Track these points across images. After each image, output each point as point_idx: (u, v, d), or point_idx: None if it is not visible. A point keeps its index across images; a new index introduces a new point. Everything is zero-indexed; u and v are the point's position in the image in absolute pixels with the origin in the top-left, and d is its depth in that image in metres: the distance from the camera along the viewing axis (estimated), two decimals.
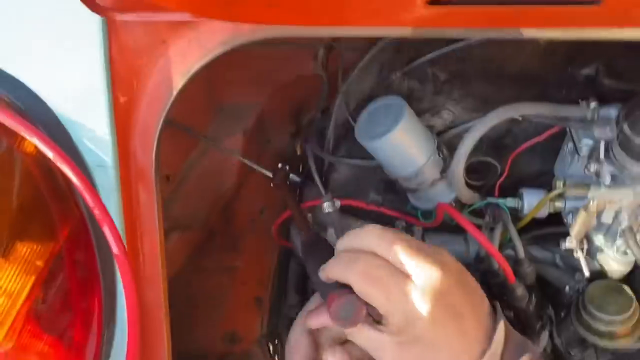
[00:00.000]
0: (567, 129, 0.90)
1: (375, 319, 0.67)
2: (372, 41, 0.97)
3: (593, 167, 0.83)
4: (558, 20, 0.51)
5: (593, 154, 0.85)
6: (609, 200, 0.82)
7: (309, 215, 1.03)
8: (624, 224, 0.83)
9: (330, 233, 0.99)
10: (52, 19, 0.56)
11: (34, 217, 0.56)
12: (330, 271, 0.67)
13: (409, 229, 1.00)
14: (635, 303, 0.91)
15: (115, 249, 0.55)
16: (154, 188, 0.59)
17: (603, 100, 0.88)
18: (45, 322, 0.57)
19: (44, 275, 0.55)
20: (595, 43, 0.85)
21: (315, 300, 0.74)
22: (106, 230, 0.55)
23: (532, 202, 0.93)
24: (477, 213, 0.98)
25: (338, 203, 0.97)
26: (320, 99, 1.09)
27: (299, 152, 1.27)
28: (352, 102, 0.98)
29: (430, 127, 0.93)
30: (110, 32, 0.55)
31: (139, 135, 0.58)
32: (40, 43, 0.56)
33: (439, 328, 0.62)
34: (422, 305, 0.61)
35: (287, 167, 1.11)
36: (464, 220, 0.89)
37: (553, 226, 0.97)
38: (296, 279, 1.19)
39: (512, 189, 0.96)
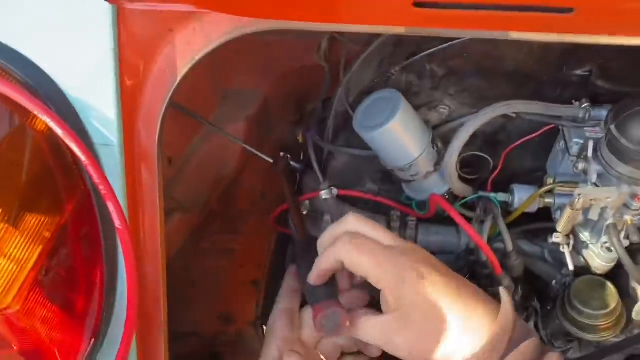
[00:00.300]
0: (560, 128, 0.93)
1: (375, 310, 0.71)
2: (374, 35, 1.00)
3: (581, 166, 0.86)
4: (534, 26, 0.54)
5: (582, 153, 0.87)
6: (594, 197, 0.85)
7: (307, 202, 1.06)
8: (609, 221, 0.86)
9: (327, 220, 1.02)
10: (66, 5, 0.59)
11: (43, 191, 0.60)
12: (321, 244, 0.71)
13: (403, 219, 1.03)
14: (617, 298, 0.94)
15: (118, 223, 0.58)
16: (157, 168, 0.62)
17: (596, 101, 0.91)
18: (50, 290, 0.60)
19: (50, 246, 0.58)
20: (589, 45, 0.88)
21: (289, 278, 0.78)
22: (110, 205, 0.58)
23: (522, 198, 0.95)
24: (470, 206, 1.00)
25: (335, 191, 1.00)
26: (322, 89, 1.12)
27: (300, 141, 1.29)
28: (352, 94, 1.01)
29: (426, 121, 0.96)
30: (120, 19, 0.58)
31: (144, 117, 0.61)
32: (54, 27, 0.59)
33: (435, 286, 0.65)
34: (410, 264, 0.65)
35: (289, 156, 1.13)
36: (454, 212, 0.92)
37: (543, 222, 1.00)
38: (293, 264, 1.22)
39: (505, 185, 0.99)
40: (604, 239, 0.88)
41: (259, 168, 1.24)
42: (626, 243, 0.87)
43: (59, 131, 0.56)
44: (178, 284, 1.20)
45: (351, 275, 0.78)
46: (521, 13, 0.49)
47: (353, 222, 0.72)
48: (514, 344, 0.66)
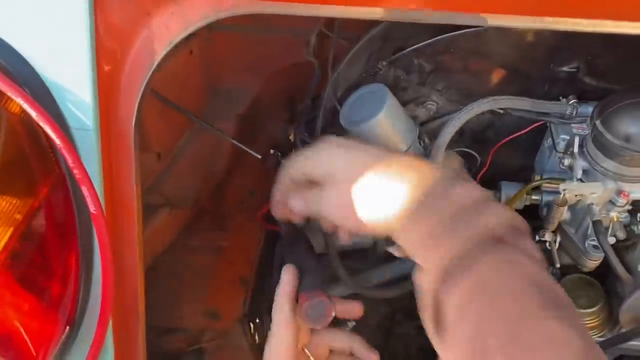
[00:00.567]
0: (548, 125, 0.92)
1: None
2: (362, 30, 1.00)
3: (567, 161, 0.86)
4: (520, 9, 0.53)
5: (568, 149, 0.87)
6: (579, 193, 0.84)
7: None
8: (595, 218, 0.85)
9: None
10: None
11: (16, 173, 0.59)
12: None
13: None
14: (604, 296, 0.94)
15: (92, 207, 0.58)
16: (133, 153, 0.62)
17: (583, 98, 0.90)
18: (23, 276, 0.60)
19: (22, 229, 0.57)
20: (577, 41, 0.88)
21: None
22: (84, 190, 0.57)
23: (510, 194, 0.95)
24: None
25: None
26: (312, 85, 1.11)
27: (292, 139, 1.29)
28: (340, 89, 1.00)
29: (414, 117, 0.96)
30: (96, 2, 0.58)
31: (121, 102, 0.60)
32: (30, 10, 0.59)
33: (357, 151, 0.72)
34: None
35: (279, 153, 1.13)
36: None
37: (533, 220, 0.99)
38: (281, 261, 1.21)
39: (495, 182, 0.99)
40: (591, 236, 0.88)
41: (248, 166, 1.24)
42: (612, 240, 0.87)
43: (32, 113, 0.55)
44: (166, 280, 1.20)
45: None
46: None
47: None
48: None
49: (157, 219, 1.16)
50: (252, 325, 1.15)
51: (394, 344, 1.30)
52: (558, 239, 0.92)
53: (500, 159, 0.98)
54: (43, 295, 0.62)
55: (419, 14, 0.58)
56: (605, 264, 0.89)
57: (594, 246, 0.88)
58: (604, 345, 0.92)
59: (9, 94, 0.55)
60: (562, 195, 0.84)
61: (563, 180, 0.87)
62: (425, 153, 0.94)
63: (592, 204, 0.86)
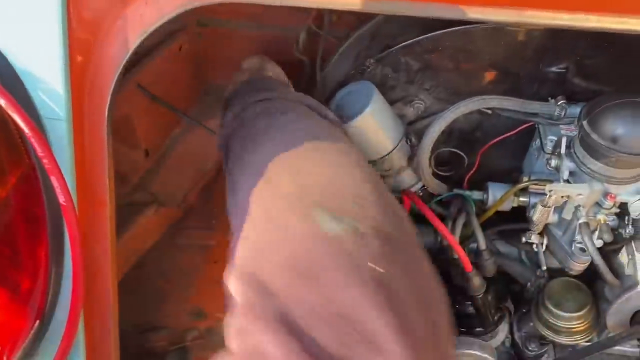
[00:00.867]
0: (536, 126, 0.91)
1: None
2: (352, 27, 0.99)
3: (554, 162, 0.84)
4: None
5: (555, 149, 0.86)
6: (566, 194, 0.83)
7: None
8: (582, 220, 0.84)
9: None
10: None
11: None
12: None
13: None
14: (591, 300, 0.92)
15: (62, 199, 0.57)
16: (106, 144, 0.61)
17: (572, 99, 0.89)
18: None
19: None
20: (567, 41, 0.86)
21: None
22: (54, 180, 0.56)
23: (497, 196, 0.94)
24: (446, 204, 0.99)
25: None
26: (302, 82, 1.10)
27: None
28: (329, 87, 0.99)
29: (402, 116, 0.95)
30: None
31: (94, 91, 0.59)
32: None
33: None
34: None
35: None
36: (425, 208, 0.90)
37: (520, 223, 0.98)
38: None
39: (483, 183, 0.97)
40: (577, 238, 0.86)
41: None
42: (600, 243, 0.85)
43: (1, 101, 0.54)
44: (152, 278, 1.19)
45: None
46: None
47: None
48: None
49: (144, 217, 1.15)
50: None
51: None
52: (545, 241, 0.91)
53: (489, 160, 0.97)
54: (11, 287, 0.60)
55: (395, 5, 0.57)
56: (593, 268, 0.88)
57: (581, 249, 0.87)
58: (592, 349, 0.91)
59: None
60: (548, 196, 0.83)
61: (550, 181, 0.86)
62: (413, 152, 0.93)
63: (579, 206, 0.84)
